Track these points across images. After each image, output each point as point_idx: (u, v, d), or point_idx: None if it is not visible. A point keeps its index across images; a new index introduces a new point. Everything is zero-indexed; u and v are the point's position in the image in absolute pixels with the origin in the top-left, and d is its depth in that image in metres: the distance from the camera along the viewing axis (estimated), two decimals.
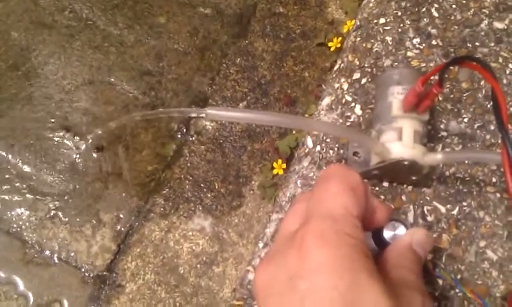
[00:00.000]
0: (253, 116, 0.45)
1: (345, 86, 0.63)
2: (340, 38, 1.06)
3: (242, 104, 1.06)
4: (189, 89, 1.09)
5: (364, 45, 0.66)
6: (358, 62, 0.65)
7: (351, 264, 0.28)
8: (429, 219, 0.53)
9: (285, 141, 0.98)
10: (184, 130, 1.04)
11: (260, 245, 0.57)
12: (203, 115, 0.45)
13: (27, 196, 0.97)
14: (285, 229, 0.35)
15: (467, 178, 0.54)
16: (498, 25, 0.64)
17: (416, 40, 0.64)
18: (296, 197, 0.57)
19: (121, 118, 1.01)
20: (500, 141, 0.55)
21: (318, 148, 0.59)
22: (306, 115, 1.02)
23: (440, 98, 0.59)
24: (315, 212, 0.32)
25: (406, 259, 0.36)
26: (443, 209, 0.53)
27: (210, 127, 1.03)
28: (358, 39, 0.67)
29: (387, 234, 0.40)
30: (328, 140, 0.60)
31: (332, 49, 1.07)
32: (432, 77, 0.44)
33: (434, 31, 0.65)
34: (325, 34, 1.10)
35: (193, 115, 0.46)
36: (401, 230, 0.41)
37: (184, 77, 1.10)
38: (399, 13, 0.67)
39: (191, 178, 0.99)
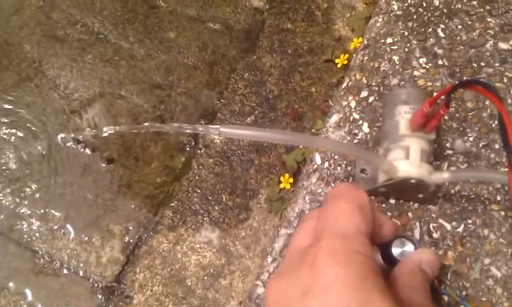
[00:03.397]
0: (264, 134, 0.47)
1: (353, 104, 0.64)
2: (346, 55, 1.08)
3: (250, 118, 1.07)
4: (198, 102, 1.10)
5: (371, 64, 0.67)
6: (365, 81, 0.66)
7: (362, 283, 0.29)
8: (435, 236, 0.54)
9: (292, 156, 1.00)
10: (193, 143, 1.05)
11: (269, 259, 0.58)
12: (216, 132, 0.46)
13: (38, 206, 0.99)
14: (296, 244, 0.36)
15: (472, 196, 0.55)
16: (503, 45, 0.65)
17: (422, 60, 0.66)
18: (305, 214, 0.58)
19: (134, 126, 1.03)
20: (504, 160, 0.56)
21: (326, 164, 0.61)
22: (313, 130, 1.03)
23: (446, 117, 0.60)
24: (325, 230, 0.33)
25: (416, 278, 0.37)
26: (448, 226, 0.54)
27: (219, 141, 1.05)
28: (366, 58, 0.69)
29: (395, 251, 0.41)
30: (336, 157, 0.61)
31: (339, 66, 1.09)
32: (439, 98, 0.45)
33: (440, 51, 0.66)
34: (332, 51, 1.12)
35: (206, 132, 0.47)
36: (409, 247, 0.42)
37: (193, 90, 1.11)
38: (406, 33, 0.69)
39: (199, 190, 1.01)
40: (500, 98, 0.39)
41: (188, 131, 0.47)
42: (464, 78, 0.63)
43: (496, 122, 0.59)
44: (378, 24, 0.72)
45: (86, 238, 0.96)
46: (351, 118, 0.63)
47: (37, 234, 0.97)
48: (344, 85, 0.69)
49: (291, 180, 0.97)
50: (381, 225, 0.39)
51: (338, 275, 0.29)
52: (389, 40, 0.69)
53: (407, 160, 0.50)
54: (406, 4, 0.71)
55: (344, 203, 0.34)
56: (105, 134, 0.99)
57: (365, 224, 0.34)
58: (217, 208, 0.99)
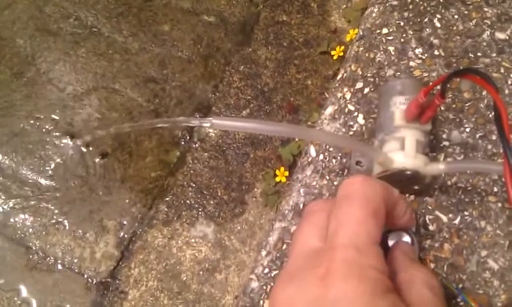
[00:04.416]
0: (257, 125, 0.46)
1: (348, 96, 0.64)
2: (342, 47, 1.07)
3: (245, 112, 1.06)
4: (193, 96, 1.09)
5: (367, 54, 0.66)
6: (360, 72, 0.65)
7: (373, 299, 0.29)
8: (431, 228, 0.53)
9: (287, 149, 0.99)
10: (188, 137, 1.04)
11: (263, 253, 0.57)
12: (208, 124, 0.45)
13: (31, 202, 0.98)
14: (304, 243, 0.35)
15: (469, 188, 0.55)
16: (500, 35, 0.64)
17: (418, 50, 0.65)
18: (299, 207, 0.58)
19: (126, 125, 1.02)
20: (501, 151, 0.55)
21: (321, 157, 0.60)
22: (309, 123, 1.03)
23: (442, 108, 0.60)
24: (338, 237, 0.32)
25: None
26: (445, 218, 0.53)
27: (214, 134, 1.04)
28: (361, 49, 0.68)
29: (392, 243, 0.41)
30: (331, 149, 0.60)
31: (335, 58, 1.08)
32: (434, 88, 0.44)
33: (436, 41, 0.65)
34: (328, 43, 1.11)
35: (198, 124, 0.46)
36: (406, 239, 0.41)
37: (188, 84, 1.10)
38: (402, 23, 0.68)
39: (194, 185, 1.00)
40: (496, 86, 0.39)
41: (181, 124, 0.46)
42: (461, 67, 0.62)
43: (493, 113, 0.58)
44: (374, 14, 0.71)
45: (80, 234, 0.96)
46: (346, 110, 0.62)
47: (30, 229, 0.96)
48: (339, 76, 0.68)
49: (287, 173, 0.96)
50: (403, 216, 0.39)
51: (350, 291, 0.29)
52: (385, 31, 0.68)
53: (402, 151, 0.49)
54: None
55: (357, 208, 0.33)
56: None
57: (379, 229, 0.33)
58: (212, 202, 0.98)
